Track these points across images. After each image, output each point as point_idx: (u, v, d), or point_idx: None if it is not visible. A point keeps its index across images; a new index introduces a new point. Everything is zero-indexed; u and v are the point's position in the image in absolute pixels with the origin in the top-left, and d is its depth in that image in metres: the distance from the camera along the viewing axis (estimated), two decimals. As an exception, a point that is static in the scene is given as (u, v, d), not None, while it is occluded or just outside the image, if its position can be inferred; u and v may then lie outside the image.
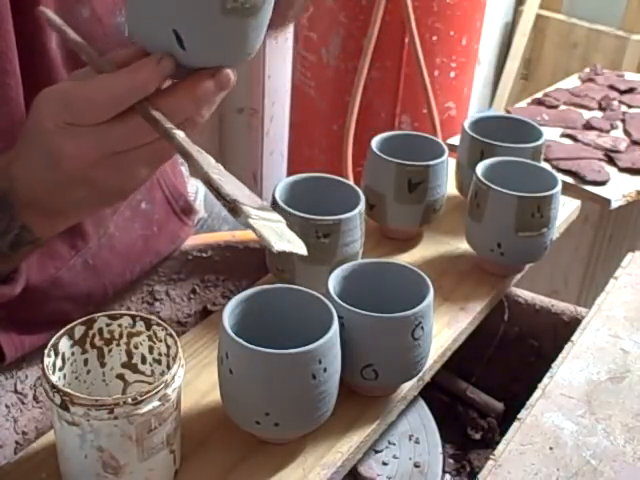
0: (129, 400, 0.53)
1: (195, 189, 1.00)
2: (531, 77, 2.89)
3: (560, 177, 0.84)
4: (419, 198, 0.86)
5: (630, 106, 1.71)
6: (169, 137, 0.52)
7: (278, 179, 2.05)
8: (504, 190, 0.80)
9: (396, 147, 0.89)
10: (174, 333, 0.59)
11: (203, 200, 1.01)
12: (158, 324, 0.60)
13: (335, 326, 0.60)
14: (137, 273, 0.83)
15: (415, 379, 0.70)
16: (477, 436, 0.87)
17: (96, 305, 0.77)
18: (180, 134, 0.52)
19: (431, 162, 0.85)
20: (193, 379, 0.70)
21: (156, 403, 0.54)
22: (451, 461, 0.84)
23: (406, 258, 0.88)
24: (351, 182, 0.81)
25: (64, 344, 0.59)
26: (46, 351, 0.56)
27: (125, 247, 0.80)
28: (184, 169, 1.01)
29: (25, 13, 0.60)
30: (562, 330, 0.87)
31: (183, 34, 0.53)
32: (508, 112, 1.68)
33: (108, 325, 0.61)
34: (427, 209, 0.88)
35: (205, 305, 0.88)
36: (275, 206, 0.75)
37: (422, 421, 0.80)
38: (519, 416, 0.69)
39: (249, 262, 0.89)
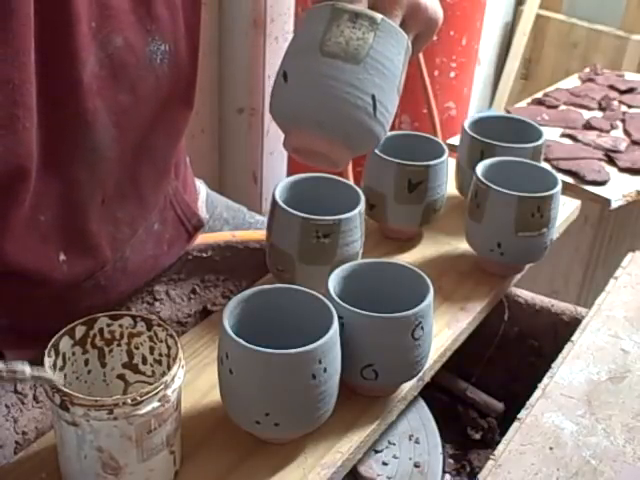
0: (129, 401, 0.53)
1: (197, 190, 1.00)
2: (531, 77, 2.89)
3: (560, 177, 0.84)
4: (419, 198, 0.86)
5: (630, 106, 1.71)
6: None
7: (278, 179, 2.05)
8: (504, 190, 0.80)
9: (396, 147, 0.89)
10: (175, 334, 0.59)
11: (204, 201, 1.01)
12: (159, 324, 0.60)
13: (335, 326, 0.60)
14: (140, 286, 0.84)
15: (415, 379, 0.70)
16: (477, 436, 0.87)
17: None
18: None
19: (431, 162, 0.85)
20: (193, 379, 0.70)
21: (156, 404, 0.54)
22: (451, 461, 0.84)
23: (406, 258, 0.88)
24: (351, 182, 0.81)
25: (65, 344, 0.59)
26: (47, 351, 0.56)
27: (136, 267, 0.80)
28: (199, 183, 1.01)
29: (56, 43, 0.60)
30: (562, 330, 0.87)
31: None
32: (508, 112, 1.68)
33: (109, 325, 0.61)
34: (427, 209, 0.88)
35: (205, 305, 0.88)
36: (275, 206, 0.75)
37: (422, 421, 0.80)
38: (519, 416, 0.69)
39: (249, 262, 0.89)
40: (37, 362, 0.73)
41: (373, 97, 0.64)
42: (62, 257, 0.70)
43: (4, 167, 0.59)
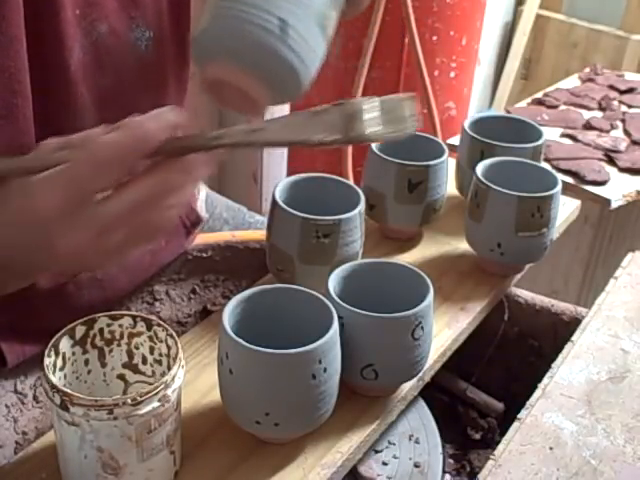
0: (129, 401, 0.53)
1: (197, 190, 1.00)
2: (531, 77, 2.89)
3: (560, 177, 0.84)
4: (419, 198, 0.86)
5: (630, 106, 1.71)
6: (219, 143, 0.53)
7: (278, 179, 2.04)
8: (504, 190, 0.80)
9: (396, 147, 0.89)
10: (174, 334, 0.59)
11: (204, 201, 1.01)
12: (159, 324, 0.60)
13: (335, 326, 0.60)
14: (140, 283, 0.83)
15: (415, 379, 0.70)
16: (477, 436, 0.87)
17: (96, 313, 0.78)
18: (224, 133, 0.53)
19: (431, 162, 0.85)
20: (193, 379, 0.70)
21: (156, 404, 0.54)
22: (451, 461, 0.84)
23: (406, 258, 0.88)
24: (351, 182, 0.81)
25: (65, 344, 0.59)
26: (46, 351, 0.56)
27: (133, 262, 0.80)
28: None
29: (43, 31, 0.60)
30: (562, 330, 0.87)
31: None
32: (508, 112, 1.68)
33: (109, 325, 0.61)
34: (427, 209, 0.88)
35: (205, 305, 0.88)
36: (275, 206, 0.75)
37: (422, 421, 0.80)
38: (519, 416, 0.69)
39: (249, 262, 0.89)
40: (37, 359, 0.73)
41: (281, 20, 0.59)
42: None
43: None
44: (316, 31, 0.61)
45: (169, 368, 0.58)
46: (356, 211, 0.75)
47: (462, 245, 0.89)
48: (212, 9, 0.60)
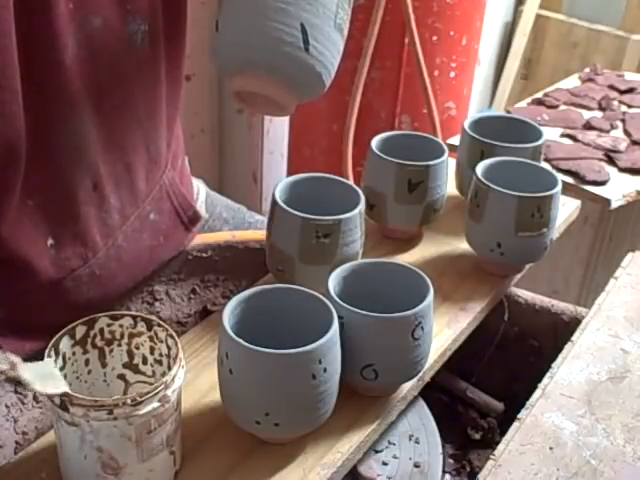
0: (128, 401, 0.53)
1: (197, 189, 1.00)
2: (531, 77, 2.89)
3: (560, 177, 0.84)
4: (419, 198, 0.86)
5: (630, 106, 1.71)
6: None
7: (278, 179, 2.05)
8: (504, 190, 0.80)
9: (396, 147, 0.89)
10: (175, 334, 0.59)
11: (204, 201, 1.01)
12: (159, 325, 0.60)
13: (335, 326, 0.60)
14: (139, 281, 0.83)
15: (415, 379, 0.70)
16: (477, 436, 0.87)
17: (96, 311, 0.78)
18: None
19: (431, 162, 0.85)
20: (193, 379, 0.70)
21: (156, 404, 0.54)
22: (451, 461, 0.84)
23: (406, 258, 0.88)
24: (351, 182, 0.81)
25: (65, 344, 0.59)
26: (47, 351, 0.56)
27: (132, 258, 0.80)
28: (199, 183, 1.01)
29: (36, 26, 0.60)
30: (562, 330, 0.87)
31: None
32: (508, 112, 1.69)
33: (109, 325, 0.61)
34: (427, 209, 0.88)
35: (205, 305, 0.88)
36: (275, 206, 0.75)
37: (422, 421, 0.80)
38: (519, 416, 0.69)
39: (249, 262, 0.89)
40: (37, 359, 0.73)
41: (302, 28, 0.62)
42: (50, 241, 0.70)
43: None
44: (333, 31, 0.63)
45: (169, 368, 0.58)
46: (356, 211, 0.75)
47: (462, 245, 0.89)
48: (229, 19, 0.62)
